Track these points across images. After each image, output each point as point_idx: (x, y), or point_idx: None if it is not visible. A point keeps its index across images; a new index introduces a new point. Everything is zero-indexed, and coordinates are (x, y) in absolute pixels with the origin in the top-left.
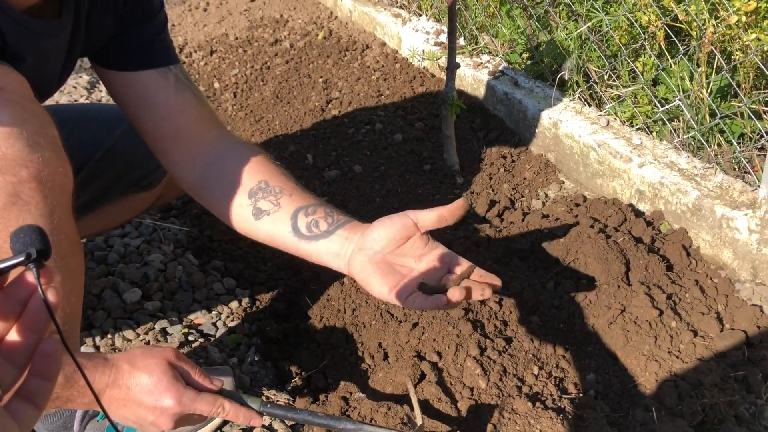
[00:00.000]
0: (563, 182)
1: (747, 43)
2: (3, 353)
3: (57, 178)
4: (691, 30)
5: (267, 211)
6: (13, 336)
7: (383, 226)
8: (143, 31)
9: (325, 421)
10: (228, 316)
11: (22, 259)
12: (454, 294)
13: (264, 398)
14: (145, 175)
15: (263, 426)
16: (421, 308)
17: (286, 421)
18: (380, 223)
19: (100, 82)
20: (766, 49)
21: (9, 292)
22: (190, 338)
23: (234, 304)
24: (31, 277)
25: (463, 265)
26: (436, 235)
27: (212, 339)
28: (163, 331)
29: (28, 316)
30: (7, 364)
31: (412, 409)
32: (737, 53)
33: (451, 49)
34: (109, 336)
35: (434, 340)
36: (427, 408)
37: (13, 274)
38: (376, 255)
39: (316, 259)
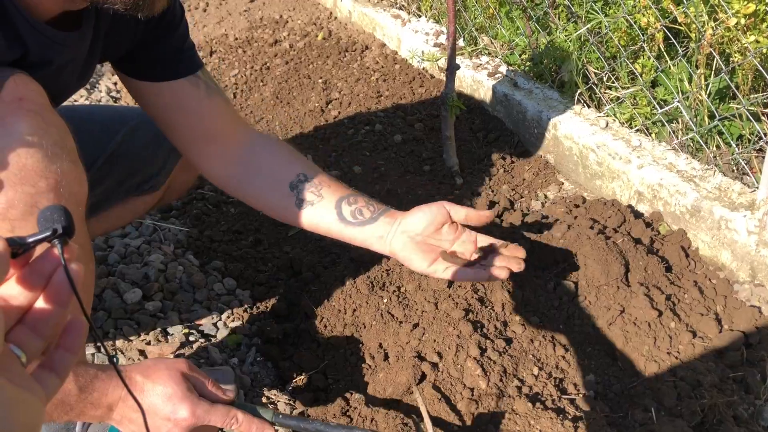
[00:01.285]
0: (562, 183)
1: (746, 45)
2: (29, 324)
3: (73, 189)
4: (690, 32)
5: (311, 202)
6: (38, 308)
7: (422, 213)
8: (171, 42)
9: (337, 429)
10: (228, 317)
11: (48, 234)
12: (500, 271)
13: (274, 408)
14: (148, 179)
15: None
16: (449, 277)
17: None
18: (419, 209)
19: (99, 83)
20: (765, 51)
21: (35, 266)
22: (191, 338)
23: (234, 305)
24: (55, 252)
25: (495, 242)
26: None
27: (213, 339)
28: (164, 332)
29: (52, 290)
30: (32, 334)
31: (421, 420)
32: (736, 55)
33: (451, 50)
34: (110, 336)
35: (434, 340)
36: (427, 408)
37: (39, 250)
38: (416, 237)
39: (360, 242)
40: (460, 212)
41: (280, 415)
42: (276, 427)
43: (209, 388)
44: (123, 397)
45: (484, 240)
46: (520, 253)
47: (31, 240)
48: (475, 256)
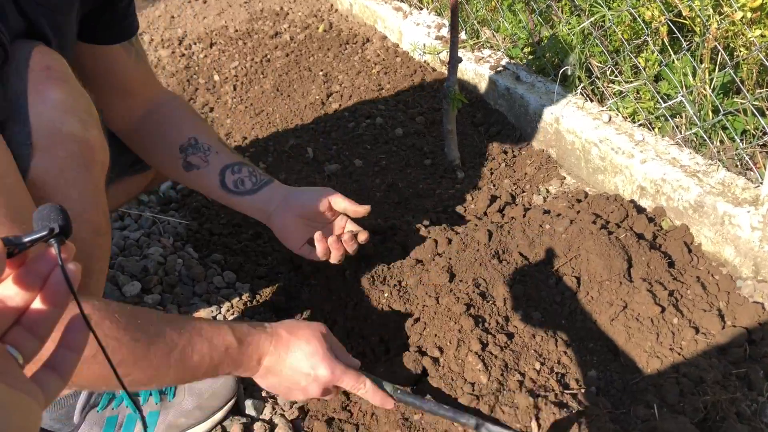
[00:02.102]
0: (564, 178)
1: (751, 39)
2: (25, 325)
3: (100, 156)
4: (695, 26)
5: (197, 166)
6: (34, 309)
7: (306, 196)
8: (119, 9)
9: (451, 414)
10: (228, 310)
11: (44, 233)
12: (321, 249)
13: (396, 386)
14: (139, 159)
15: (264, 421)
16: (306, 257)
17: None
18: (303, 192)
19: None
20: None
21: (31, 267)
22: None
23: (234, 298)
24: (52, 252)
25: (349, 227)
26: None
27: None
28: None
29: (49, 290)
30: (28, 335)
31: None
32: (741, 49)
33: (453, 43)
34: None
35: (435, 335)
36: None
37: (34, 250)
38: (295, 218)
39: (241, 210)
40: (340, 204)
41: (399, 390)
42: (395, 402)
43: (342, 353)
44: (270, 351)
45: (351, 227)
46: (362, 237)
47: (27, 239)
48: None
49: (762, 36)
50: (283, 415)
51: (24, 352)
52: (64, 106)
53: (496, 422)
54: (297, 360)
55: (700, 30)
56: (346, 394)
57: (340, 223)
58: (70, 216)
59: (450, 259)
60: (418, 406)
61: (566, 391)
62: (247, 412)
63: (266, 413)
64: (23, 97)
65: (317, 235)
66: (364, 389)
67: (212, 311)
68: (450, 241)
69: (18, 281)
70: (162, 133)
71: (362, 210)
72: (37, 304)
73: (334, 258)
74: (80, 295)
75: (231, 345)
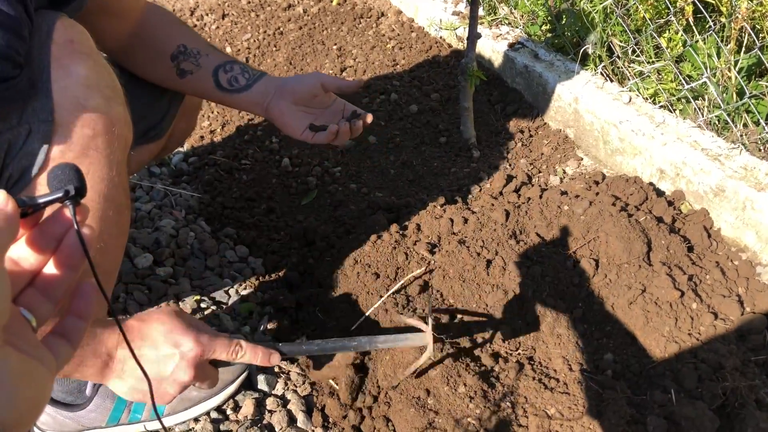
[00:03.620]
0: (581, 159)
1: None
2: (38, 287)
3: (124, 133)
4: (722, 5)
5: (190, 71)
6: (48, 271)
7: (299, 83)
8: None
9: (340, 344)
10: (240, 285)
11: (59, 195)
12: (331, 131)
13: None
14: (152, 127)
15: (276, 396)
16: (311, 141)
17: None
18: (295, 80)
19: None
20: None
21: (44, 228)
22: (203, 305)
23: (247, 273)
24: (67, 213)
25: (346, 110)
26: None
27: (224, 307)
28: (176, 298)
29: (63, 253)
30: (42, 297)
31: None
32: None
33: (473, 18)
34: (120, 300)
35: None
36: (440, 392)
37: (48, 211)
38: (291, 105)
39: (239, 108)
40: (331, 82)
41: (280, 343)
42: (281, 356)
43: (203, 326)
44: (120, 342)
45: (350, 108)
46: (367, 119)
47: (42, 201)
48: (340, 125)
49: None
50: (295, 391)
51: (37, 315)
52: (88, 81)
53: (387, 335)
54: (156, 343)
55: (726, 10)
56: (355, 363)
57: (339, 107)
58: (93, 195)
59: (466, 238)
60: (305, 351)
61: (583, 374)
62: (259, 387)
63: (278, 388)
64: (46, 71)
65: (331, 126)
66: (242, 351)
67: (224, 285)
68: (466, 220)
69: (32, 242)
70: (151, 47)
71: (355, 85)
72: (51, 266)
73: (339, 141)
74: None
75: None
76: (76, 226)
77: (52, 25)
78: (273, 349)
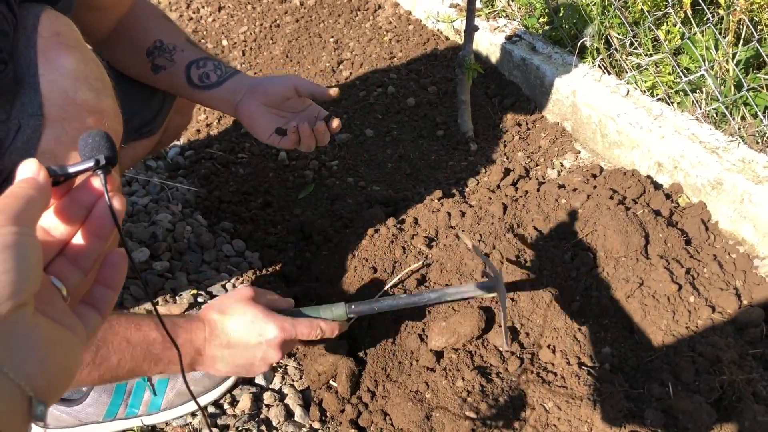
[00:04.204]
0: (579, 152)
1: None
2: (68, 256)
3: (114, 125)
4: None
5: (163, 67)
6: (78, 240)
7: (272, 84)
8: None
9: (409, 299)
10: (238, 279)
11: (90, 165)
12: (291, 137)
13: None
14: (146, 123)
15: (273, 391)
16: (277, 146)
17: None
18: (269, 80)
19: None
20: None
21: (75, 197)
22: (200, 300)
23: (244, 267)
24: (97, 183)
25: (320, 116)
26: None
27: None
28: (173, 292)
29: (93, 222)
30: (72, 266)
31: (486, 266)
32: (767, 24)
33: (470, 11)
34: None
35: (445, 315)
36: (438, 386)
37: (79, 179)
38: (261, 106)
39: (210, 106)
40: (306, 87)
41: (352, 305)
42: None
43: (277, 302)
44: (207, 338)
45: (324, 114)
46: (333, 124)
47: (72, 170)
48: (300, 127)
49: None
50: (292, 385)
51: (67, 284)
52: (76, 73)
53: (455, 287)
54: (241, 336)
55: (724, 2)
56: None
57: (312, 112)
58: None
59: (464, 231)
60: (377, 309)
61: (581, 368)
62: (256, 381)
63: (276, 383)
64: (33, 65)
65: (290, 126)
66: (321, 332)
67: (221, 280)
68: (463, 213)
69: (62, 211)
70: (129, 41)
71: (328, 93)
72: (81, 235)
73: (304, 146)
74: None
75: (155, 341)
76: (106, 196)
77: (37, 19)
78: (343, 322)
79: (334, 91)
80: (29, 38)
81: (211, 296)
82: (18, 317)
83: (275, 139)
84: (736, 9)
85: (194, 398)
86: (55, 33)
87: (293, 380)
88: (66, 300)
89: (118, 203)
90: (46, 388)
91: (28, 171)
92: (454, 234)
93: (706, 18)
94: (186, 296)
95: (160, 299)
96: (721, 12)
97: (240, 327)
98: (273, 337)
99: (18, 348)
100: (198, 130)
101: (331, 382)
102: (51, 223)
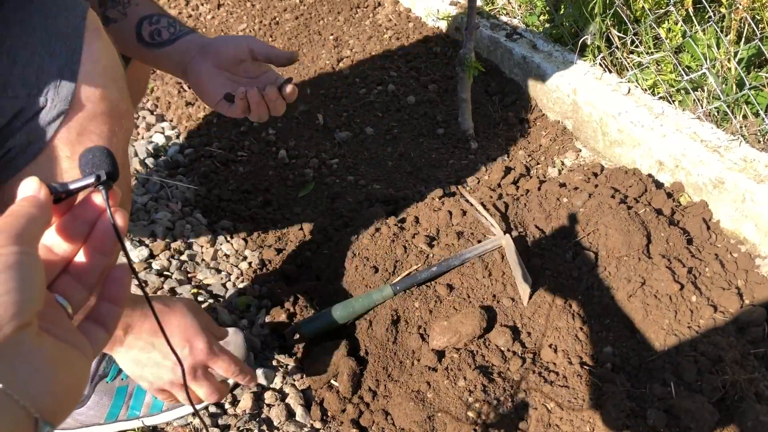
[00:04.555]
0: (580, 150)
1: None
2: (72, 274)
3: (129, 126)
4: None
5: (114, 19)
6: (81, 257)
7: (223, 45)
8: None
9: (438, 269)
10: (238, 278)
11: (91, 181)
12: (238, 103)
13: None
14: None
15: (274, 389)
16: (225, 114)
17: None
18: (223, 40)
19: None
20: None
21: (77, 214)
22: (200, 299)
23: (243, 265)
24: (99, 198)
25: (272, 83)
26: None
27: (222, 300)
28: (172, 291)
29: (96, 238)
30: (76, 284)
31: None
32: None
33: (471, 8)
34: None
35: (447, 316)
36: (440, 385)
37: (81, 195)
38: (212, 68)
39: (159, 67)
40: (262, 49)
41: (396, 285)
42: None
43: (215, 329)
44: (138, 320)
45: (281, 80)
46: (287, 89)
47: (74, 187)
48: (249, 93)
49: None
50: (293, 385)
51: (72, 302)
52: (109, 73)
53: (470, 249)
54: (171, 333)
55: (727, 0)
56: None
57: (268, 78)
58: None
59: (464, 230)
60: (416, 282)
61: (583, 367)
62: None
63: (277, 382)
64: (78, 52)
65: (239, 91)
66: (245, 378)
67: (221, 278)
68: (464, 212)
69: (64, 229)
70: None
71: (286, 56)
72: (84, 252)
73: (254, 115)
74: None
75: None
76: (109, 212)
77: (86, 9)
78: (393, 287)
79: (291, 55)
80: (78, 27)
81: (212, 295)
82: (22, 337)
83: (224, 105)
84: (738, 7)
85: (191, 403)
86: (98, 28)
87: (294, 379)
88: (71, 317)
89: (120, 219)
90: (52, 408)
91: (29, 189)
92: (458, 196)
93: (707, 16)
94: (186, 295)
95: (182, 298)
96: (723, 10)
97: (174, 323)
98: (199, 348)
99: (22, 369)
100: (198, 128)
101: (332, 381)
102: (53, 241)
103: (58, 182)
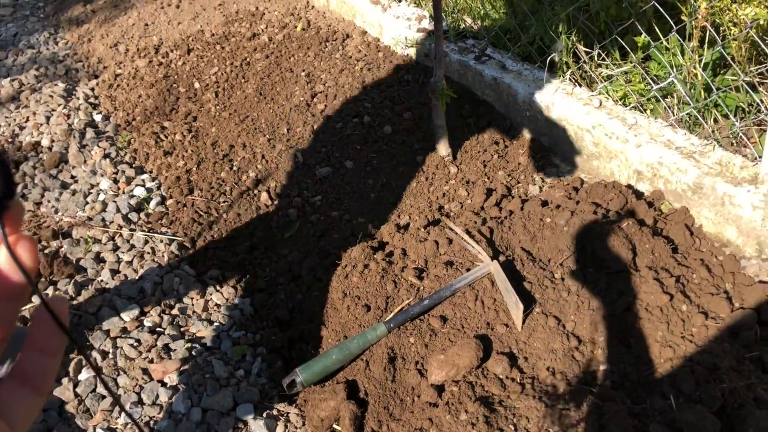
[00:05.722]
0: (558, 165)
1: (742, 17)
2: None
3: None
4: (682, 5)
5: None
6: None
7: None
8: None
9: (430, 302)
10: (231, 327)
11: None
12: None
13: (285, 420)
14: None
15: (277, 409)
16: None
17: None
18: None
19: (77, 89)
20: (762, 23)
21: None
22: (194, 353)
23: (235, 314)
24: None
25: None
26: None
27: (216, 352)
28: (166, 348)
29: None
30: None
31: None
32: (728, 26)
33: (438, 37)
34: (110, 356)
35: (443, 349)
36: (442, 421)
37: None
38: None
39: None
40: None
41: (390, 323)
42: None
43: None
44: None
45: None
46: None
47: None
48: None
49: (754, 14)
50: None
51: None
52: None
53: (460, 278)
54: None
55: (686, 9)
56: (357, 393)
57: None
58: None
59: (452, 257)
60: (410, 317)
61: (581, 387)
62: (258, 431)
63: (278, 431)
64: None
65: None
66: None
67: (214, 330)
68: (450, 241)
69: None
70: None
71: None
72: None
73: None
74: None
75: None
76: (5, 242)
77: None
78: (387, 325)
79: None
80: None
81: (206, 348)
82: None
83: None
84: (698, 17)
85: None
86: None
87: (296, 427)
88: None
89: (24, 249)
90: None
91: None
92: (442, 226)
93: (668, 26)
94: (180, 351)
95: (153, 355)
96: (684, 18)
97: None
98: None
99: None
100: (177, 178)
101: (334, 426)
102: None
103: None
